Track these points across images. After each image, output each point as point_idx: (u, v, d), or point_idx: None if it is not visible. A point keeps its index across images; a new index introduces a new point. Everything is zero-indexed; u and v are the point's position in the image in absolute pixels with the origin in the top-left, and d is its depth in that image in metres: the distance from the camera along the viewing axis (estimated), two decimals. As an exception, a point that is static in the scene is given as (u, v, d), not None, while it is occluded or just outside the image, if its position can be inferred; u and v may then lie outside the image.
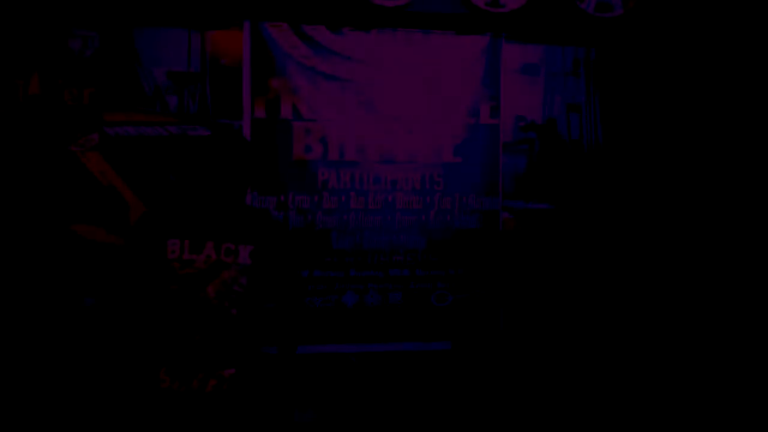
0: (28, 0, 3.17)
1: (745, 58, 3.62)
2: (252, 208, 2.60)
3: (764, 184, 3.57)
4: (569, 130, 3.75)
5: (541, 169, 3.72)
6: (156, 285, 1.94)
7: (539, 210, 3.70)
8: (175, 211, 2.02)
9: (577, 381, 3.58)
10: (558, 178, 3.73)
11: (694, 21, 3.61)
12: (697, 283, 3.63)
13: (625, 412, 3.47)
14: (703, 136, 3.69)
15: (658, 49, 3.73)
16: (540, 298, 3.66)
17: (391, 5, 3.39)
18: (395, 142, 3.50)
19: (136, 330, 2.01)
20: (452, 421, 3.44)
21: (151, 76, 3.35)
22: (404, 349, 3.53)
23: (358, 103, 3.48)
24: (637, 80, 3.74)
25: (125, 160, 3.28)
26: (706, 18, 3.60)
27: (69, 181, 3.21)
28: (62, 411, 3.03)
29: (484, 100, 3.59)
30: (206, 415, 1.92)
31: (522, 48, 3.69)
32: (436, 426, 3.42)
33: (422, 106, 3.52)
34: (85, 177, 3.24)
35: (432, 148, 3.54)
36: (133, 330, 2.03)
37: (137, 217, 2.25)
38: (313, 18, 3.42)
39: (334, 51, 3.45)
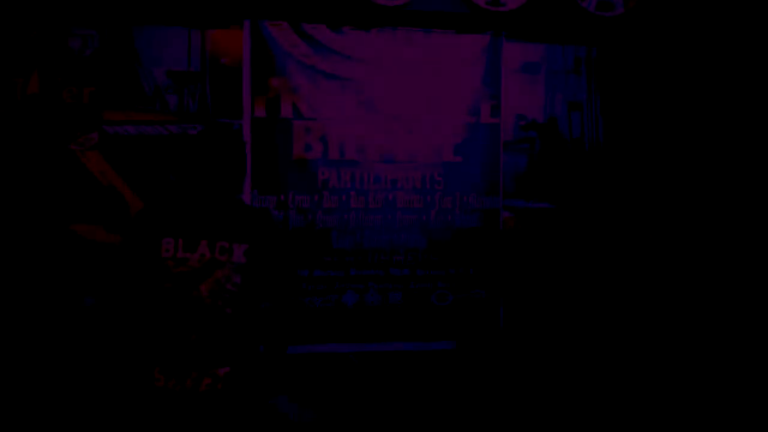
0: (27, -1, 3.17)
1: (747, 57, 3.62)
2: (246, 206, 2.59)
3: (766, 183, 3.56)
4: (570, 129, 3.74)
5: (542, 168, 3.71)
6: (150, 283, 1.93)
7: (540, 209, 3.70)
8: (170, 209, 2.02)
9: (578, 380, 3.57)
10: (559, 177, 3.72)
11: (695, 20, 3.61)
12: (699, 284, 3.62)
13: (626, 409, 3.46)
14: (705, 135, 3.68)
15: (659, 47, 3.72)
16: (541, 297, 3.66)
17: (392, 4, 3.38)
18: (395, 141, 3.49)
19: (131, 329, 2.00)
20: (452, 421, 3.43)
21: (150, 76, 3.34)
22: (405, 348, 3.52)
23: (358, 102, 3.47)
24: (638, 79, 3.73)
25: (125, 160, 3.27)
26: (707, 17, 3.60)
27: (68, 180, 3.20)
28: (59, 409, 3.03)
29: (485, 99, 3.58)
30: (201, 413, 1.91)
31: (523, 47, 3.68)
32: (436, 426, 3.41)
33: (422, 105, 3.51)
34: (85, 176, 3.23)
35: (432, 148, 3.53)
36: (128, 329, 2.02)
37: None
38: (313, 17, 3.41)
39: (335, 50, 3.45)
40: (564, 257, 3.68)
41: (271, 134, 3.39)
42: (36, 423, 2.99)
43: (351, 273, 3.48)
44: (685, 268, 3.65)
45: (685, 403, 3.44)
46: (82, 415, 3.00)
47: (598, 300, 3.67)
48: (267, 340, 2.14)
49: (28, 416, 2.99)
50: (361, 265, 3.49)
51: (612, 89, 3.75)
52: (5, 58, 3.17)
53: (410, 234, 3.52)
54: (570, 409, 3.49)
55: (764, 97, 3.57)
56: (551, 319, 3.65)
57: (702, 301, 3.60)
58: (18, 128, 3.17)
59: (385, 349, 3.51)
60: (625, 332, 3.64)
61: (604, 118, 3.76)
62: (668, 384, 3.54)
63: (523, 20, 3.53)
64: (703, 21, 3.60)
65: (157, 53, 3.34)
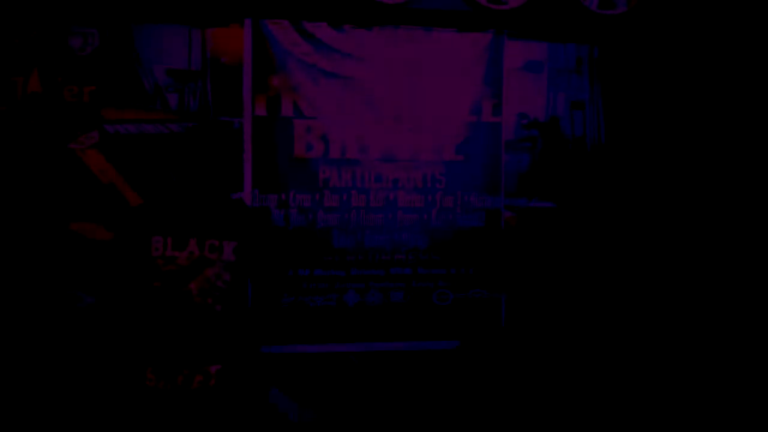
0: (27, -3, 3.17)
1: (751, 56, 3.60)
2: (236, 203, 2.59)
3: (769, 182, 3.55)
4: (572, 128, 3.72)
5: (544, 167, 3.70)
6: (141, 282, 1.93)
7: (542, 208, 3.68)
8: (160, 208, 2.02)
9: (580, 379, 3.56)
10: (561, 176, 3.70)
11: (698, 18, 3.59)
12: (701, 285, 3.61)
13: (628, 406, 3.45)
14: (707, 134, 3.66)
15: (662, 46, 3.70)
16: (542, 296, 3.64)
17: (393, 2, 3.37)
18: (397, 140, 3.48)
19: (123, 327, 2.00)
20: (453, 420, 3.42)
21: (151, 74, 3.33)
22: (405, 348, 3.51)
23: (359, 101, 3.46)
24: (641, 77, 3.71)
25: (125, 158, 3.26)
26: (709, 15, 3.58)
27: (69, 179, 3.19)
28: (52, 410, 3.01)
29: (487, 98, 3.57)
30: (193, 411, 1.91)
31: (525, 45, 3.66)
32: (437, 425, 3.40)
33: (424, 104, 3.50)
34: (85, 175, 3.22)
35: (433, 147, 3.52)
36: (120, 327, 2.02)
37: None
38: (314, 15, 3.40)
39: (336, 48, 3.43)
40: (566, 256, 3.66)
41: (272, 133, 3.38)
42: (28, 424, 2.97)
43: (352, 272, 3.47)
44: (687, 268, 3.63)
45: (687, 401, 3.43)
46: (75, 414, 2.98)
47: (600, 299, 3.66)
48: (244, 338, 2.14)
49: (21, 417, 2.97)
50: (362, 264, 3.48)
51: (614, 88, 3.74)
52: (5, 56, 3.16)
53: (411, 233, 3.51)
54: (572, 407, 3.48)
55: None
56: (553, 318, 3.64)
57: (703, 302, 3.59)
58: (18, 127, 3.16)
59: (386, 349, 3.50)
60: (627, 331, 3.63)
61: (606, 117, 3.74)
62: (670, 382, 3.53)
63: (525, 18, 3.52)
64: (705, 19, 3.59)
65: (157, 52, 3.33)
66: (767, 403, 3.29)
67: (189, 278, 1.94)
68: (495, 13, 3.46)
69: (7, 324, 3.08)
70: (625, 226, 3.69)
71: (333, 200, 3.43)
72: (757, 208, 3.57)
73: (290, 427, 3.26)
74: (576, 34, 3.69)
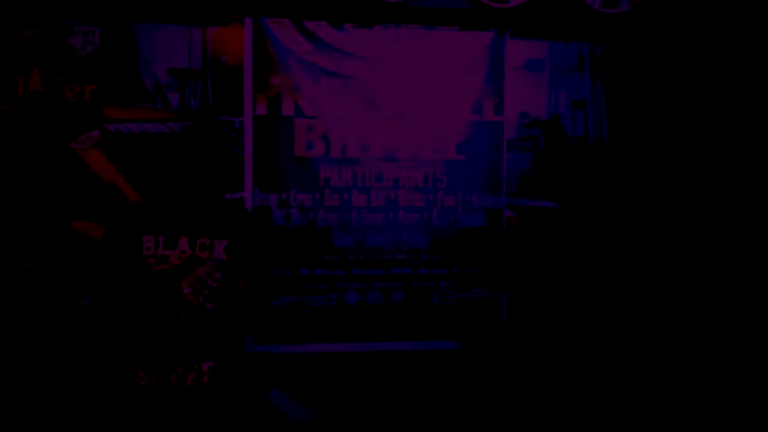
0: (28, -4, 3.17)
1: (755, 55, 3.57)
2: (230, 203, 2.60)
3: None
4: (574, 127, 3.71)
5: (546, 167, 3.68)
6: (133, 281, 1.94)
7: (544, 208, 3.67)
8: (153, 207, 2.03)
9: (582, 379, 3.55)
10: (563, 175, 3.69)
11: (702, 16, 3.57)
12: (704, 286, 3.59)
13: (630, 406, 3.44)
14: (711, 133, 3.64)
15: (665, 45, 3.68)
16: (544, 297, 3.63)
17: (394, 1, 3.36)
18: (397, 140, 3.47)
19: (117, 326, 2.01)
20: (454, 420, 3.41)
21: (152, 73, 3.33)
22: (406, 348, 3.50)
23: (360, 100, 3.45)
24: (644, 76, 3.69)
25: (126, 157, 3.26)
26: (713, 13, 3.56)
27: (69, 178, 3.20)
28: (45, 407, 3.01)
29: (488, 97, 3.55)
30: (187, 409, 1.92)
31: (526, 44, 3.64)
32: (438, 426, 3.39)
33: (425, 103, 3.48)
34: (86, 174, 3.23)
35: (435, 146, 3.50)
36: (115, 326, 2.03)
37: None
38: (315, 14, 3.39)
39: (337, 47, 3.43)
40: (568, 256, 3.65)
41: (273, 132, 3.38)
42: (17, 423, 2.97)
43: (353, 272, 3.47)
44: (691, 267, 3.61)
45: (691, 401, 3.41)
46: (69, 415, 2.98)
47: (603, 299, 3.64)
48: (236, 337, 2.14)
49: (11, 415, 2.98)
50: (363, 264, 3.47)
51: (616, 87, 3.72)
52: (6, 55, 3.16)
53: (412, 233, 3.50)
54: (575, 407, 3.47)
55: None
56: (555, 319, 3.62)
57: (705, 301, 3.57)
58: (19, 126, 3.17)
59: (387, 349, 3.49)
60: (629, 331, 3.61)
61: (608, 117, 3.72)
62: (674, 383, 3.51)
63: (527, 17, 3.50)
64: (710, 18, 3.56)
65: (158, 51, 3.33)
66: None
67: (180, 277, 1.94)
68: (497, 11, 3.45)
69: (7, 324, 3.09)
70: (628, 225, 3.67)
71: (334, 199, 3.43)
72: (764, 208, 3.54)
73: (291, 426, 3.26)
74: (578, 32, 3.67)
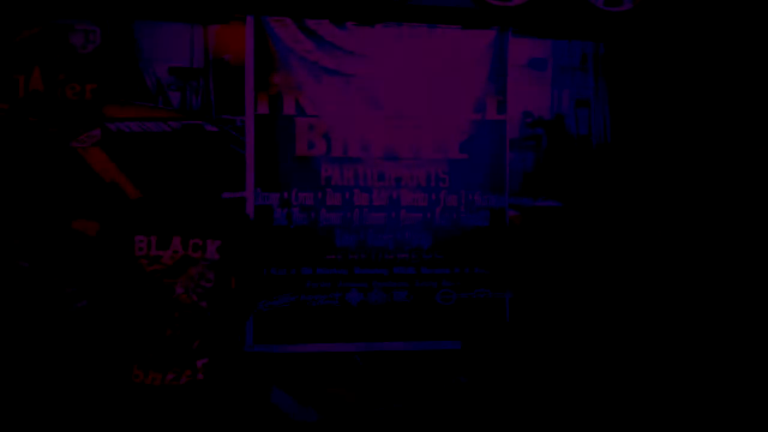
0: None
1: (759, 53, 3.55)
2: (223, 202, 2.60)
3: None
4: (577, 126, 3.69)
5: (549, 166, 3.66)
6: (126, 281, 1.95)
7: (547, 207, 3.65)
8: (149, 205, 2.04)
9: (586, 378, 3.53)
10: (566, 174, 3.67)
11: (705, 15, 3.55)
12: (708, 283, 3.57)
13: (633, 405, 3.42)
14: (714, 132, 3.62)
15: (668, 43, 3.66)
16: (547, 297, 3.61)
17: (396, -1, 3.35)
18: (399, 138, 3.46)
19: (112, 325, 2.01)
20: (455, 421, 3.39)
21: (153, 72, 3.32)
22: (408, 348, 3.49)
23: (361, 99, 3.44)
24: (647, 75, 3.68)
25: (128, 156, 3.26)
26: (716, 12, 3.54)
27: (70, 177, 3.19)
28: (43, 408, 3.00)
29: (491, 96, 3.53)
30: (183, 406, 1.92)
31: (529, 42, 3.63)
32: (439, 426, 3.38)
33: (427, 102, 3.47)
34: (87, 173, 3.22)
35: (437, 145, 3.49)
36: (109, 325, 2.03)
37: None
38: (316, 12, 3.38)
39: (338, 46, 3.41)
40: (571, 256, 3.63)
41: (274, 131, 3.36)
42: (13, 421, 2.96)
43: (355, 271, 3.45)
44: (695, 267, 3.59)
45: (694, 401, 3.39)
46: (64, 412, 2.97)
47: (606, 298, 3.62)
48: (231, 336, 2.14)
49: (7, 414, 2.97)
50: (365, 263, 3.46)
51: (620, 86, 3.70)
52: (7, 54, 3.16)
53: (414, 232, 3.49)
54: (578, 406, 3.45)
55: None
56: (559, 319, 3.60)
57: (708, 301, 3.55)
58: (20, 125, 3.16)
59: (388, 349, 3.47)
60: (633, 330, 3.59)
61: (611, 115, 3.71)
62: (678, 382, 3.49)
63: (529, 15, 3.49)
64: (713, 16, 3.55)
65: (159, 49, 3.32)
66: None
67: (174, 277, 1.94)
68: (499, 9, 3.43)
69: (7, 323, 3.08)
70: (632, 225, 3.65)
71: (335, 199, 3.41)
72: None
73: (291, 426, 3.24)
74: (581, 31, 3.65)
